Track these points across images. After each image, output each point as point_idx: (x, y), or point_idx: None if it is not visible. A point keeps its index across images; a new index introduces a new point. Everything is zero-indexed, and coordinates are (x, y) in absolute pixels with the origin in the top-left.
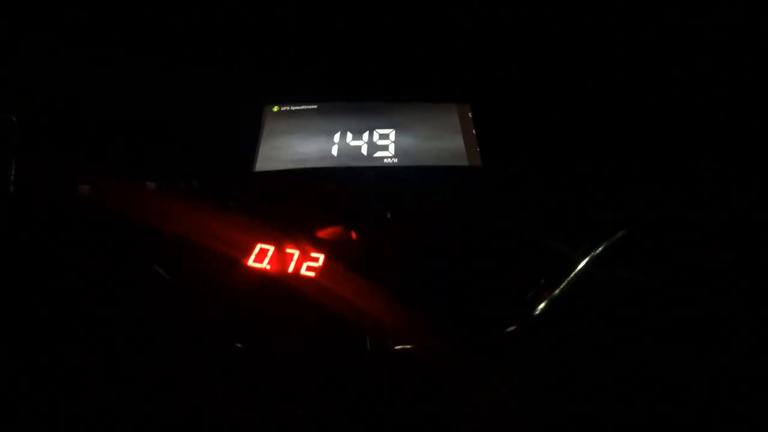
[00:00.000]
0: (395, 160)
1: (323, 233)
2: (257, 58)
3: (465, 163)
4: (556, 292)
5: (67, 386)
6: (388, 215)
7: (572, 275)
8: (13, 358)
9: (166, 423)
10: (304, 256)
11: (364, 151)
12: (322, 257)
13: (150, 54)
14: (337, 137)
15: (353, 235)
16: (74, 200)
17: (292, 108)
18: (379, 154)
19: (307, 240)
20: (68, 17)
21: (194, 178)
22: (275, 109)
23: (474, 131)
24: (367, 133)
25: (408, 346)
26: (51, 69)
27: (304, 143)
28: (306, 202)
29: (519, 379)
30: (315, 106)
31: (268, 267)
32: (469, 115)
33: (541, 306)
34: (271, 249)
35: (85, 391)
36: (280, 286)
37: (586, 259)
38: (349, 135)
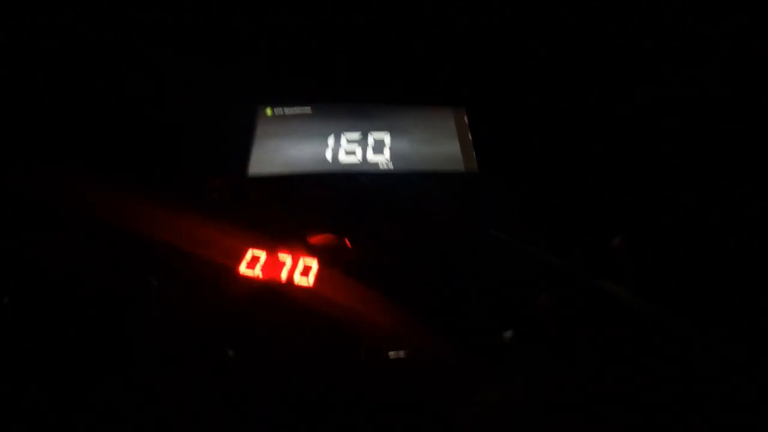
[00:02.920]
0: (390, 165)
1: (316, 239)
2: (251, 57)
3: (461, 168)
4: (553, 297)
5: (57, 394)
6: (382, 221)
7: (568, 281)
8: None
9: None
10: (297, 263)
11: (359, 155)
12: (315, 264)
13: (139, 51)
14: (331, 141)
15: (347, 242)
16: (60, 204)
17: (286, 111)
18: (374, 158)
19: (300, 246)
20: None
21: (184, 181)
22: (269, 111)
23: (470, 136)
24: (361, 136)
25: (402, 353)
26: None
27: (298, 146)
28: (300, 207)
29: (516, 384)
30: (309, 109)
31: (260, 275)
32: (465, 119)
33: (538, 311)
34: (263, 255)
35: (75, 399)
36: (272, 294)
37: (583, 266)
38: (344, 138)
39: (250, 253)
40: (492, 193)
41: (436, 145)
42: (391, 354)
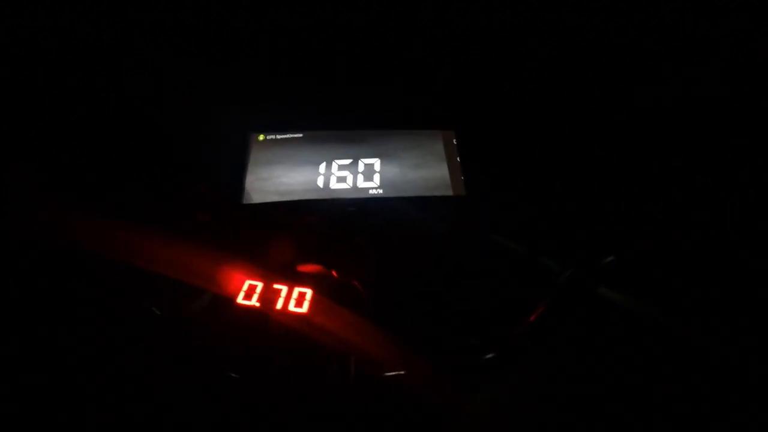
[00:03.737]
0: (380, 191)
1: (307, 269)
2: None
3: (449, 192)
4: (539, 318)
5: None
6: (372, 248)
7: (554, 304)
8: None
9: None
10: (292, 292)
11: (350, 182)
12: (309, 292)
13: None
14: (322, 168)
15: (333, 273)
16: (61, 237)
17: (278, 137)
18: (364, 185)
19: (294, 275)
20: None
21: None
22: (261, 137)
23: (458, 159)
24: (352, 163)
25: (396, 374)
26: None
27: (290, 173)
28: (292, 235)
29: (504, 403)
30: (300, 135)
31: (258, 304)
32: (454, 141)
33: (524, 332)
34: (260, 285)
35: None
36: (269, 323)
37: (568, 288)
38: (335, 165)
39: (246, 284)
40: (487, 208)
41: (426, 168)
42: (386, 374)
